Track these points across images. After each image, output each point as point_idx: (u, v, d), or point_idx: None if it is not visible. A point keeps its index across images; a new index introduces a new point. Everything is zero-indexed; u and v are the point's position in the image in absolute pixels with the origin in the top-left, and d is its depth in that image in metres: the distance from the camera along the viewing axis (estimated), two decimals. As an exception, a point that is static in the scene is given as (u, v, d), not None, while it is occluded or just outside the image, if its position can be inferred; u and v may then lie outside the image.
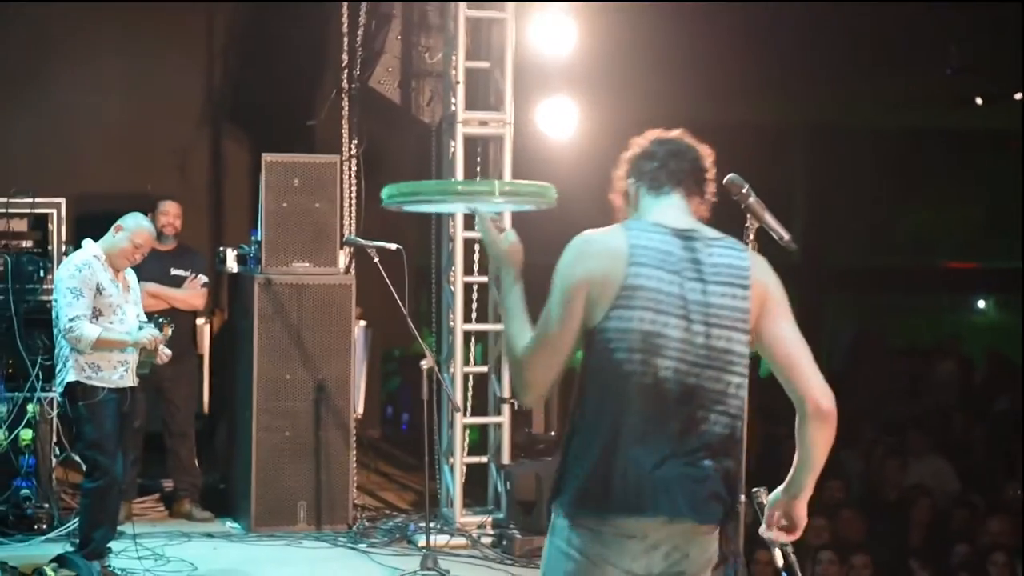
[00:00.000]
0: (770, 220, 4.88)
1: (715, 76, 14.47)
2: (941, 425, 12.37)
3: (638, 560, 3.83)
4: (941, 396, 13.75)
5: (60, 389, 7.46)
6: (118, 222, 7.53)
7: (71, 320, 7.20)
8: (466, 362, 9.24)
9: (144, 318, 7.65)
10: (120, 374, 7.40)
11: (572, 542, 3.84)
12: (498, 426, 9.19)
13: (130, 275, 7.68)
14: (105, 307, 7.32)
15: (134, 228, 7.49)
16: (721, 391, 3.87)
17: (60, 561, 7.02)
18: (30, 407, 8.55)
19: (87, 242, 7.55)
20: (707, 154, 4.17)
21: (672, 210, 4.02)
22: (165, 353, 7.64)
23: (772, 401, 12.64)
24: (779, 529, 4.17)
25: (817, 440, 3.98)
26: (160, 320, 7.51)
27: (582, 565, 3.82)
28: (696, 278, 3.87)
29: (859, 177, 18.27)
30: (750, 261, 3.98)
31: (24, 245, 8.90)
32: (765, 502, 4.90)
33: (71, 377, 7.29)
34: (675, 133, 4.20)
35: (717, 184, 4.24)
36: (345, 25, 9.59)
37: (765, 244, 4.96)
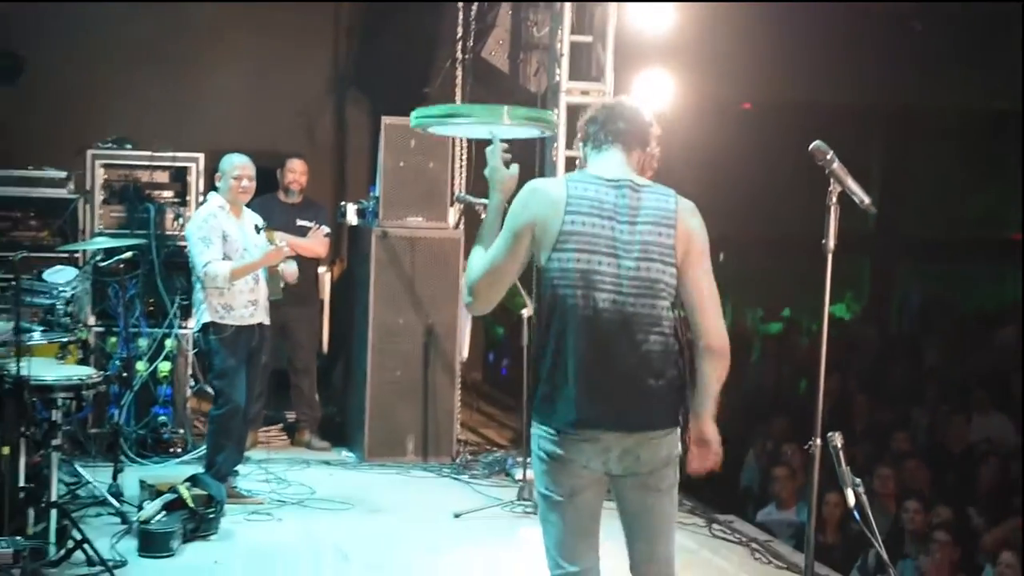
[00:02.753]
0: (852, 185, 4.82)
1: (802, 57, 14.24)
2: (1002, 385, 12.07)
3: (593, 460, 4.13)
4: (1002, 358, 13.41)
5: (197, 328, 7.49)
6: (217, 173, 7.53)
7: (205, 265, 7.21)
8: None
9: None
10: (251, 311, 7.40)
11: (542, 447, 4.19)
12: (591, 371, 9.07)
13: (253, 219, 7.60)
14: (233, 252, 7.31)
15: (227, 167, 7.47)
16: (656, 316, 4.10)
17: (192, 481, 7.03)
18: (168, 342, 8.66)
19: (212, 194, 7.55)
20: (647, 113, 4.37)
21: (609, 163, 4.25)
22: (290, 272, 7.57)
23: (884, 383, 12.21)
24: (696, 448, 4.25)
25: (707, 370, 4.19)
26: (260, 227, 7.32)
27: (551, 464, 4.17)
28: (626, 220, 4.11)
29: (934, 156, 17.92)
30: (677, 205, 4.18)
31: (165, 195, 8.96)
32: (839, 445, 4.83)
33: (206, 318, 7.31)
34: (619, 98, 4.56)
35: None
36: (460, 1, 9.51)
37: (846, 208, 4.83)
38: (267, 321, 7.61)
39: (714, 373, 4.18)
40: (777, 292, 17.01)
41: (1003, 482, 9.62)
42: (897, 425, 10.76)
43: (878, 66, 15.25)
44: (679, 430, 4.21)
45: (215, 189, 7.51)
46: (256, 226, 7.35)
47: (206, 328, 7.35)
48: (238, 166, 7.45)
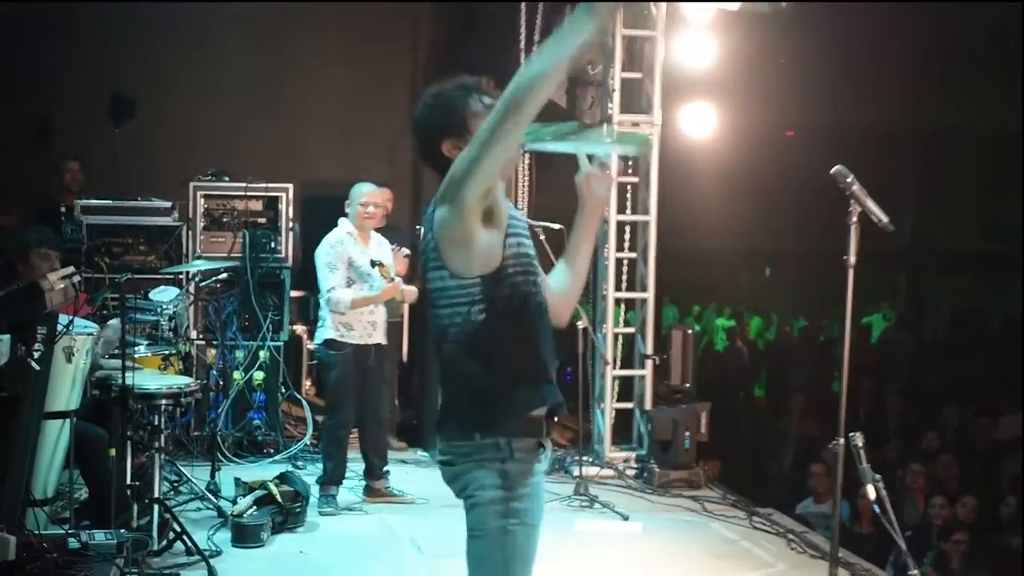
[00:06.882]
0: (871, 205, 4.82)
1: (840, 85, 14.15)
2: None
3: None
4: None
5: (318, 342, 7.48)
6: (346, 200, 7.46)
7: (329, 290, 7.23)
8: (616, 324, 9.16)
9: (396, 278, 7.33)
10: (369, 332, 7.41)
11: None
12: (642, 378, 9.12)
13: (381, 244, 7.58)
14: (358, 277, 7.31)
15: (355, 194, 7.42)
16: (445, 325, 3.47)
17: (281, 478, 7.09)
18: (262, 353, 8.73)
19: (342, 221, 7.49)
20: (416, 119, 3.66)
21: None
22: (410, 291, 7.54)
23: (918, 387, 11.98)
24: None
25: None
26: (375, 262, 7.15)
27: None
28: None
29: (965, 175, 17.67)
30: (430, 214, 3.49)
31: (259, 222, 9.07)
32: (860, 444, 4.79)
33: (327, 335, 7.34)
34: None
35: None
36: (522, 42, 9.56)
37: (867, 226, 4.81)
38: (384, 341, 7.57)
39: None
40: (819, 304, 16.81)
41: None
42: (926, 426, 10.64)
43: (912, 91, 15.11)
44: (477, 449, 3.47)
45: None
46: (371, 261, 7.21)
47: (326, 344, 7.37)
48: (364, 193, 7.40)
